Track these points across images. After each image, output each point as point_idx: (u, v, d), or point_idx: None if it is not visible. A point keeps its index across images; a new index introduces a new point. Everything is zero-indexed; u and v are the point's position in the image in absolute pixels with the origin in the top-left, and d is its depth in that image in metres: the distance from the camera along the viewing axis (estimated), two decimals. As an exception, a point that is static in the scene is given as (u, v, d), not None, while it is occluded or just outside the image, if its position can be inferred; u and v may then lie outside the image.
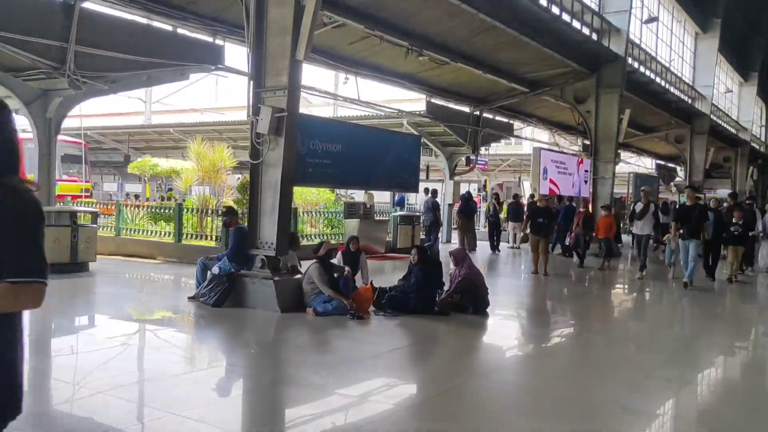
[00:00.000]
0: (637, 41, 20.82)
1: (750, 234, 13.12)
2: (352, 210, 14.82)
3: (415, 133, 18.82)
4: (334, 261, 9.13)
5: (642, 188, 15.69)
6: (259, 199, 8.04)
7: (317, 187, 15.99)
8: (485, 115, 20.58)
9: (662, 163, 35.99)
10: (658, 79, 21.95)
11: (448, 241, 19.97)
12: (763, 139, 41.26)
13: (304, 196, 17.97)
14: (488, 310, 8.16)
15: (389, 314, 7.69)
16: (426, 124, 18.96)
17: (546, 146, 24.57)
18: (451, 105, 19.51)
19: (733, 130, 33.75)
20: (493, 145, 33.45)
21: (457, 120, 19.13)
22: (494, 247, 17.57)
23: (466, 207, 17.37)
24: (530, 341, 7.17)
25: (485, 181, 27.76)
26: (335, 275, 8.08)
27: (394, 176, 15.88)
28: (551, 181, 21.70)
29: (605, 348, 6.78)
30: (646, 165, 36.76)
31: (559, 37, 15.88)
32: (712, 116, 28.16)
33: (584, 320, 8.64)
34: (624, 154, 32.50)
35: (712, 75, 27.93)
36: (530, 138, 25.63)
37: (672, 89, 23.75)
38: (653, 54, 22.43)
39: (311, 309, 7.53)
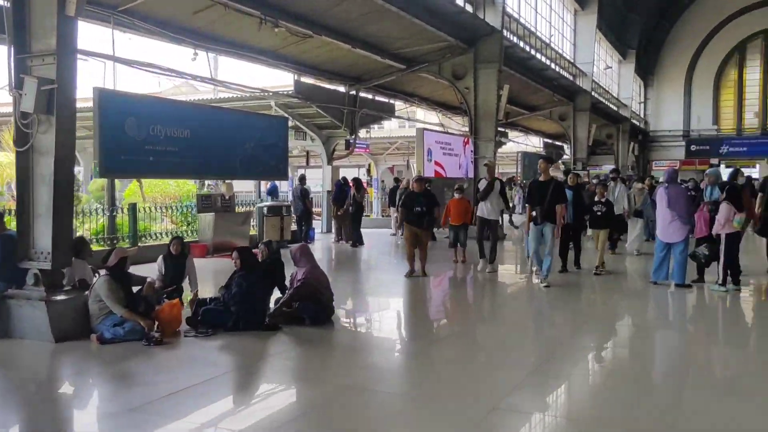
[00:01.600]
0: (515, 15, 20.16)
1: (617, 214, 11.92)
2: (206, 202, 13.09)
3: (285, 115, 17.27)
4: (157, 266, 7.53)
5: (485, 162, 13.28)
6: (31, 196, 6.27)
7: (162, 178, 14.14)
8: (363, 95, 19.30)
9: (550, 141, 36.33)
10: (538, 55, 21.46)
11: (329, 230, 18.61)
12: (642, 115, 42.73)
13: (161, 188, 16.04)
14: (333, 319, 6.85)
15: (203, 334, 6.19)
16: (297, 106, 17.42)
17: (436, 127, 23.74)
18: (324, 84, 18.08)
19: (614, 107, 34.45)
20: (386, 127, 32.48)
21: (331, 100, 17.71)
22: (357, 240, 15.45)
23: (340, 194, 16.01)
24: (367, 364, 5.85)
25: (369, 165, 26.58)
26: (136, 290, 6.49)
27: (258, 163, 14.27)
28: (437, 163, 20.81)
29: (449, 367, 5.59)
30: (535, 144, 37.01)
31: (431, 7, 14.75)
32: (593, 93, 28.35)
33: (430, 333, 7.25)
34: (512, 134, 32.38)
35: (592, 52, 28.06)
36: (416, 120, 24.63)
37: (553, 65, 23.44)
38: (532, 29, 21.92)
39: (96, 335, 5.90)
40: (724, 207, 8.37)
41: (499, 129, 30.39)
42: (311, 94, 16.87)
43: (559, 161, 36.61)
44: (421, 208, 10.16)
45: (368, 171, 25.72)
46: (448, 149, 20.14)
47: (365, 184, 20.62)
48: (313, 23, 13.65)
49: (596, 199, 10.82)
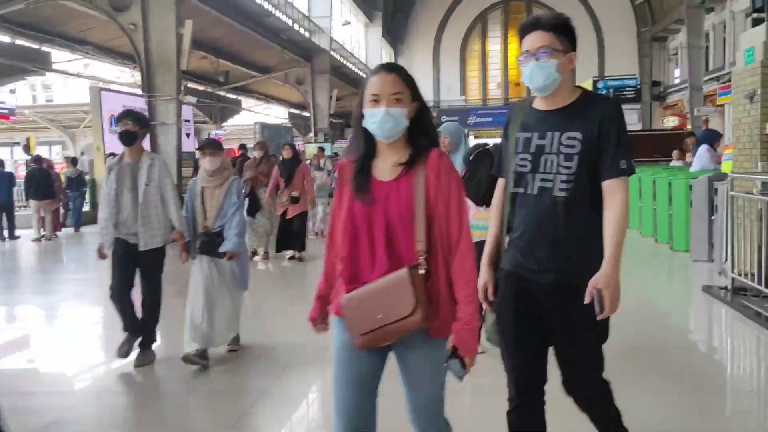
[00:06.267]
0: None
1: None
2: None
3: None
4: None
5: None
6: None
7: None
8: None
9: (297, 111, 32.21)
10: (249, -7, 16.76)
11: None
12: (394, 85, 40.68)
13: None
14: None
15: None
16: None
17: (120, 86, 17.90)
18: None
19: (361, 73, 31.32)
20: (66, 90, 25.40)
21: None
22: None
23: None
24: None
25: (28, 139, 19.61)
26: None
27: None
28: (127, 136, 15.17)
29: None
30: (279, 114, 32.63)
31: None
32: (334, 54, 24.61)
33: None
34: (249, 102, 27.61)
35: (329, 5, 24.21)
36: (91, 76, 18.47)
37: (278, 13, 18.97)
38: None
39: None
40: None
41: (231, 96, 25.44)
42: None
43: (309, 134, 32.80)
44: None
45: (26, 147, 18.75)
46: (143, 117, 14.71)
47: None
48: None
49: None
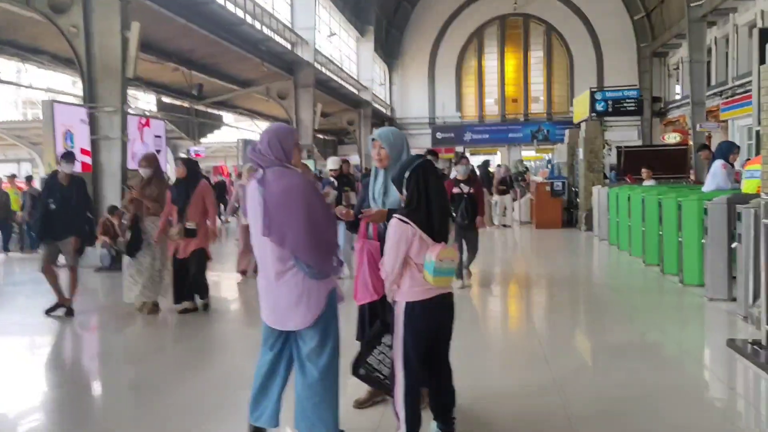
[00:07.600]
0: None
1: None
2: None
3: None
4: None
5: None
6: None
7: None
8: None
9: (284, 128, 30.98)
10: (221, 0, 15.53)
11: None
12: (388, 101, 39.67)
13: None
14: None
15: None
16: None
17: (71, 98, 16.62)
18: None
19: (353, 89, 30.19)
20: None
21: None
22: None
23: None
24: None
25: None
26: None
27: None
28: (85, 152, 14.05)
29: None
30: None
31: None
32: (319, 66, 23.42)
33: None
34: (229, 117, 26.38)
35: (313, 15, 23.06)
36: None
37: (256, 23, 17.80)
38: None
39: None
40: (393, 227, 3.09)
41: (210, 111, 24.23)
42: None
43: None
44: None
45: None
46: (105, 133, 13.49)
47: None
48: None
49: None
